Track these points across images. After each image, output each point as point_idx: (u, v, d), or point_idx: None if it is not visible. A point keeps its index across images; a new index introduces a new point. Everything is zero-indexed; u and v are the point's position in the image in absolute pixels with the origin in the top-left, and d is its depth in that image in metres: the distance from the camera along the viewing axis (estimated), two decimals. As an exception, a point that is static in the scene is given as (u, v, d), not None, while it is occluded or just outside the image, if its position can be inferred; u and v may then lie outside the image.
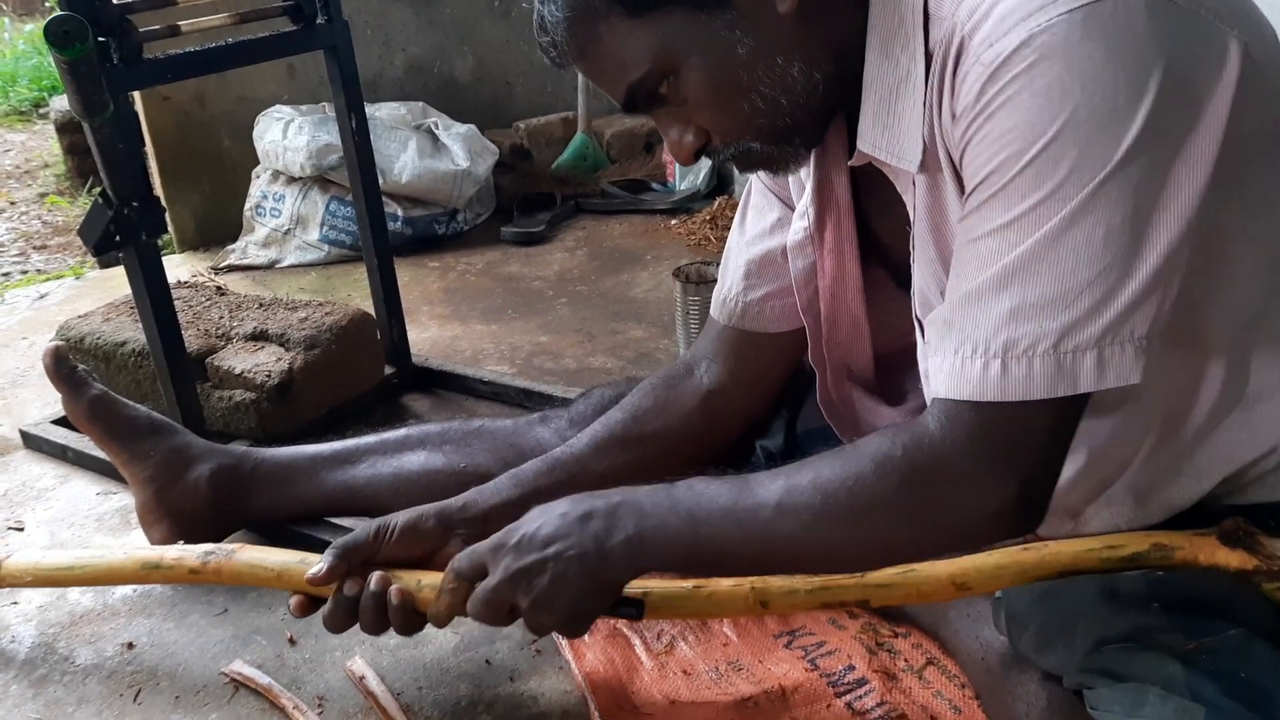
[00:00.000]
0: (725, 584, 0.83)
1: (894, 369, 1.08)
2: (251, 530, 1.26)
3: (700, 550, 0.78)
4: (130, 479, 1.21)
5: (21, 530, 1.32)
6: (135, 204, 1.24)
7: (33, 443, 1.53)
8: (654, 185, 2.69)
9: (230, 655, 1.05)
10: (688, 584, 0.85)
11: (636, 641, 1.03)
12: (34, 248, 2.99)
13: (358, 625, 0.91)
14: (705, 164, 2.62)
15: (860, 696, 0.92)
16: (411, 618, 0.91)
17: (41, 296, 2.28)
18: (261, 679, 1.01)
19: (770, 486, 0.76)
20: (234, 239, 2.46)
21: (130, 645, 1.08)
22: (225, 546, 0.99)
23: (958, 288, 0.70)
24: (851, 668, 0.96)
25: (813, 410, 1.09)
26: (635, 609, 0.83)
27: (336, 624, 0.92)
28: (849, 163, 0.83)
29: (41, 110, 4.51)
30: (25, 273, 2.74)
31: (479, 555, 0.83)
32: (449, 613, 0.86)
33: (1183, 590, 0.74)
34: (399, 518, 0.95)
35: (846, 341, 1.03)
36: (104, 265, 2.52)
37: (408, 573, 0.94)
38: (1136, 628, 0.73)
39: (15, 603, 1.15)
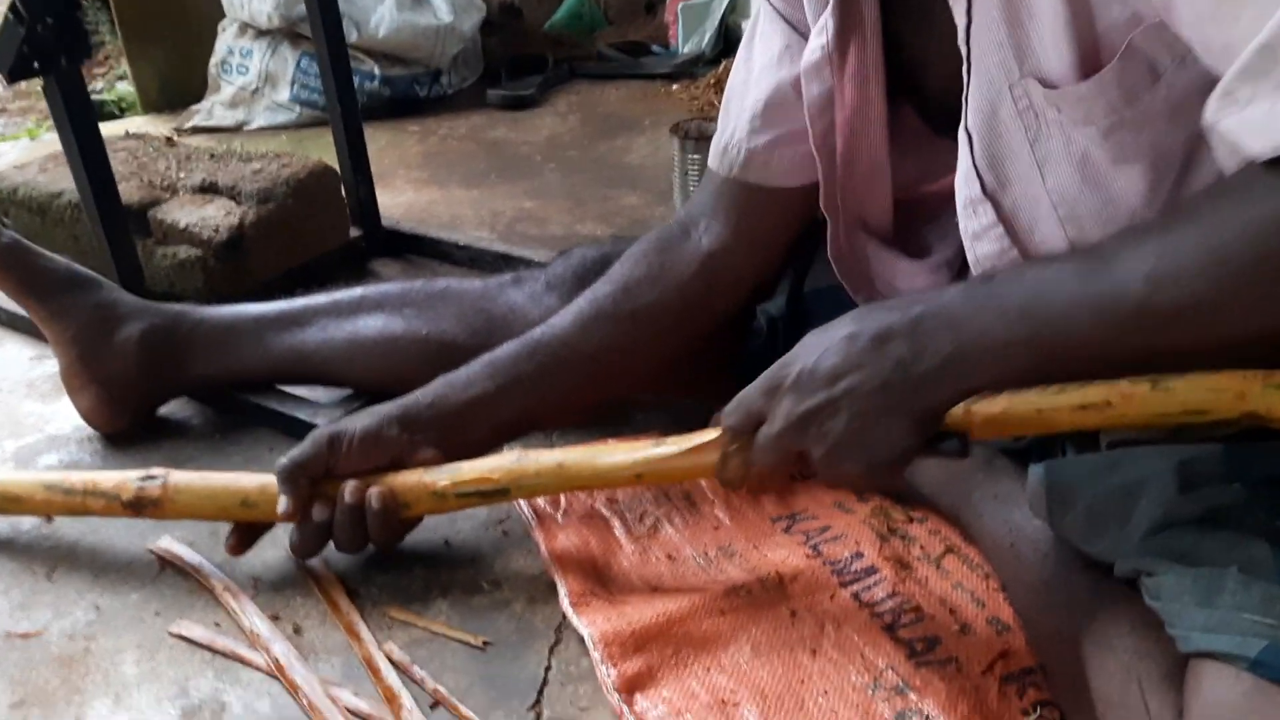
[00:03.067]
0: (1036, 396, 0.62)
1: (914, 219, 0.94)
2: (192, 399, 1.14)
3: (1045, 358, 0.59)
4: (52, 339, 1.08)
5: (-57, 395, 1.20)
6: (50, 20, 1.07)
7: (-38, 304, 1.39)
8: (654, 48, 2.50)
9: (158, 531, 0.93)
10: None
11: (616, 522, 0.91)
12: (-7, 111, 2.82)
13: None
14: (710, 25, 2.42)
15: (869, 587, 0.80)
16: (394, 525, 0.82)
17: (-9, 157, 2.12)
18: (191, 557, 0.89)
19: (1128, 257, 0.57)
20: (200, 99, 2.29)
21: (50, 519, 0.96)
22: (151, 486, 0.86)
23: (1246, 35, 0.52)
24: (859, 555, 0.84)
25: (821, 268, 0.95)
26: (958, 442, 0.65)
27: (309, 550, 0.84)
28: None
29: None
30: (-19, 135, 2.57)
31: (750, 402, 0.69)
32: (740, 475, 0.71)
33: (1270, 466, 0.61)
34: (356, 425, 0.83)
35: (864, 185, 0.88)
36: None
37: (376, 478, 0.83)
38: (1211, 508, 0.60)
39: (-75, 471, 1.03)
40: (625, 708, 0.70)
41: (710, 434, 0.74)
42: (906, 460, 0.65)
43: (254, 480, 0.85)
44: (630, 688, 0.72)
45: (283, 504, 0.82)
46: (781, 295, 0.99)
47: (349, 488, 0.82)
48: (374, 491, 0.81)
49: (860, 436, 0.63)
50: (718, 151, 0.92)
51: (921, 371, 0.61)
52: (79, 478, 0.89)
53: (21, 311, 1.26)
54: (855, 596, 0.79)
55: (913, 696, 0.70)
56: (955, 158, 0.78)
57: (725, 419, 0.71)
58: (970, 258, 0.76)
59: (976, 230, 0.73)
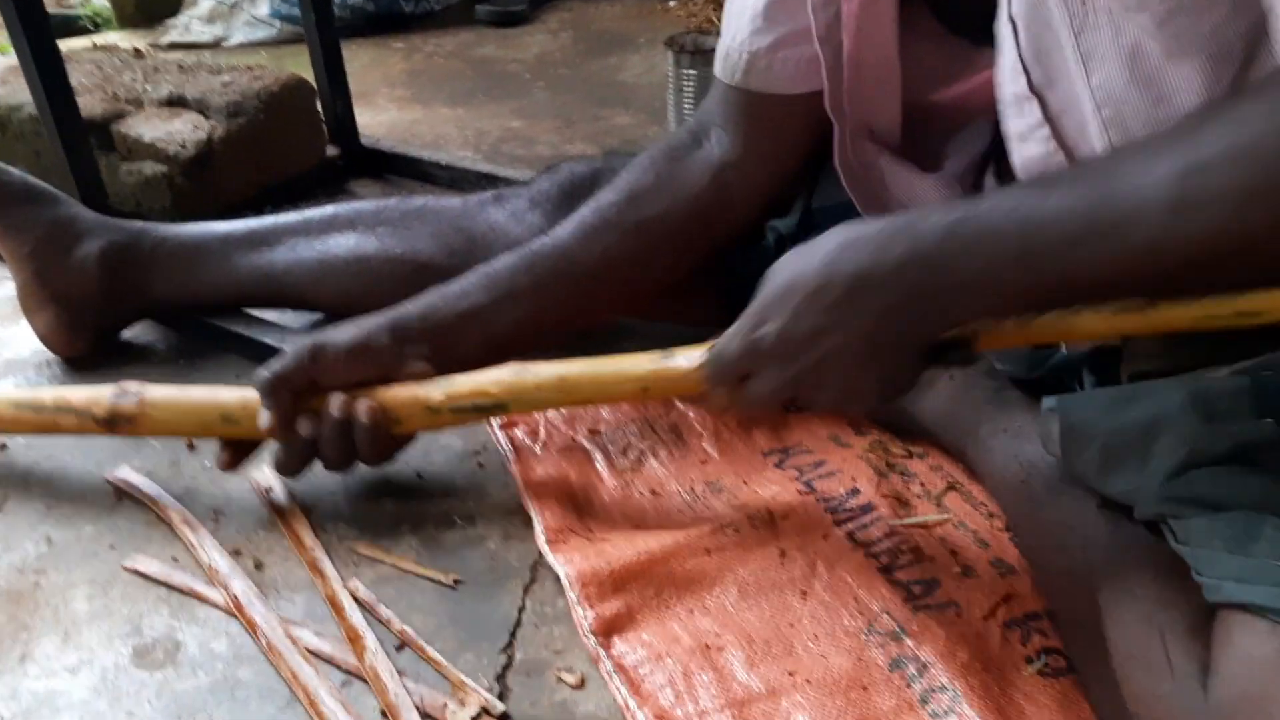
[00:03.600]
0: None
1: (924, 129, 0.87)
2: (155, 322, 1.08)
3: (1048, 297, 0.57)
4: (6, 256, 1.02)
5: (-104, 317, 1.14)
6: (-9, -88, 1.00)
7: (-80, 222, 1.32)
8: (652, -37, 2.39)
9: (118, 460, 0.88)
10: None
11: (598, 455, 0.86)
12: (-36, 25, 2.71)
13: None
14: (710, -61, 2.31)
15: (865, 526, 0.75)
16: (384, 441, 0.76)
17: (-42, 71, 2.03)
18: (150, 488, 0.84)
19: (1144, 176, 0.51)
20: (176, 14, 2.19)
21: (3, 446, 0.91)
22: (126, 402, 0.80)
23: None
24: (855, 492, 0.79)
25: (830, 183, 0.89)
26: (962, 351, 0.61)
27: (294, 468, 0.78)
28: None
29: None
30: (-51, 50, 2.47)
31: (729, 363, 0.65)
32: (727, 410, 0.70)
33: (1304, 399, 0.55)
34: (341, 337, 0.77)
35: (871, 90, 0.82)
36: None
37: (364, 392, 0.77)
38: (1240, 445, 0.55)
39: (-128, 396, 0.98)
40: (602, 651, 0.66)
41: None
42: (910, 386, 0.62)
43: (234, 394, 0.79)
44: (608, 630, 0.67)
45: (264, 418, 0.77)
46: (796, 213, 0.93)
47: (335, 401, 0.76)
48: (362, 405, 0.76)
49: (857, 384, 0.61)
50: (720, 57, 0.86)
51: (909, 318, 0.58)
52: (50, 394, 0.83)
53: (-22, 230, 1.20)
54: (850, 536, 0.75)
55: (909, 642, 0.65)
56: (970, 60, 0.72)
57: (703, 371, 0.67)
58: (1015, 160, 0.70)
59: (1022, 131, 0.67)
